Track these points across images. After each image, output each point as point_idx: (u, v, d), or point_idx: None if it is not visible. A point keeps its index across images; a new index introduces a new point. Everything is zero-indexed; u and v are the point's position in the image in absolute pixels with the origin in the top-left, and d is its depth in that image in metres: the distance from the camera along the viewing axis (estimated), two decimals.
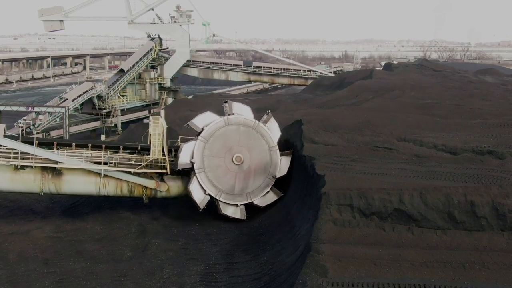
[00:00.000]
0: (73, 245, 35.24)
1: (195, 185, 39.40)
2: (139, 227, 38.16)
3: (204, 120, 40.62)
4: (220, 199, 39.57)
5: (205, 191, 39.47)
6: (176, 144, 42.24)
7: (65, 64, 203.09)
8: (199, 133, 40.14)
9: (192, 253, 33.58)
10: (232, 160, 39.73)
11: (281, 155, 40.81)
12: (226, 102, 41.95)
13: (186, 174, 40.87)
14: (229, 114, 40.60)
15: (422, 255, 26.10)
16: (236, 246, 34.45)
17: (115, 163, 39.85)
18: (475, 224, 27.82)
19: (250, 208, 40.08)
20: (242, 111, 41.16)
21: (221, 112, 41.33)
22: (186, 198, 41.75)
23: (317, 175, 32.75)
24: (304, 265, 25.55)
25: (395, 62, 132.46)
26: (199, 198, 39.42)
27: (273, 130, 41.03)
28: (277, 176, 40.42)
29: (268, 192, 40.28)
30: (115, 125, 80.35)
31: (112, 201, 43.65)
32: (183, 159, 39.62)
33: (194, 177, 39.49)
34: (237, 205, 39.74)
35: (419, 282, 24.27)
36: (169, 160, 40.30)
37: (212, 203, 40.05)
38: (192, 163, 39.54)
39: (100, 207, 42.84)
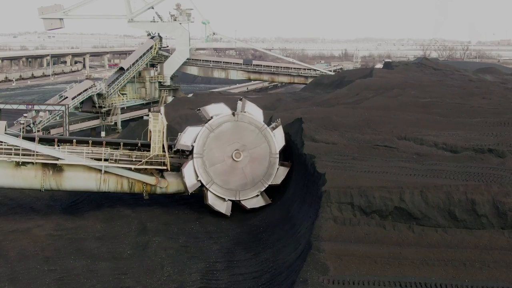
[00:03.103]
0: (73, 243, 35.23)
1: (189, 169, 39.68)
2: (139, 225, 38.15)
3: (216, 109, 41.16)
4: (210, 189, 39.72)
5: (197, 176, 39.63)
6: (175, 141, 42.46)
7: (64, 62, 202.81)
8: (208, 121, 40.39)
9: (192, 251, 33.58)
10: (231, 155, 39.93)
11: (280, 164, 41.03)
12: (241, 99, 42.32)
13: None
14: (241, 111, 40.84)
15: (422, 253, 26.13)
16: (236, 244, 34.47)
17: (115, 160, 40.04)
18: (475, 222, 27.87)
19: (236, 207, 40.23)
20: (253, 112, 41.54)
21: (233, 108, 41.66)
22: (186, 195, 41.90)
23: (318, 173, 32.77)
24: (305, 263, 25.58)
25: (395, 61, 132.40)
26: (190, 182, 39.72)
27: (278, 138, 41.35)
28: (270, 183, 40.64)
29: (257, 196, 40.45)
30: (115, 123, 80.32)
31: (112, 199, 43.69)
32: (185, 140, 40.08)
33: (190, 161, 39.75)
34: (224, 199, 39.91)
35: (419, 280, 24.30)
36: (169, 157, 40.47)
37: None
38: (192, 146, 39.82)
39: (100, 205, 42.84)
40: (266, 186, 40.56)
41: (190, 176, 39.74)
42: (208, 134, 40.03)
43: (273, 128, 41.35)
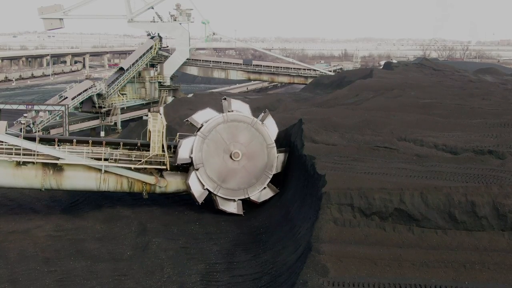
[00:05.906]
0: (73, 244, 35.22)
1: (193, 180, 40.16)
2: (139, 226, 38.14)
3: (204, 116, 41.31)
4: (218, 194, 40.11)
5: (203, 185, 40.06)
6: (174, 141, 42.54)
7: (64, 62, 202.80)
8: (199, 129, 40.61)
9: (192, 253, 33.56)
10: (230, 156, 40.33)
11: (279, 152, 41.40)
12: (225, 99, 42.36)
13: (185, 170, 41.26)
14: (228, 111, 40.90)
15: (422, 255, 26.13)
16: (236, 245, 34.45)
17: (115, 159, 40.21)
18: (475, 224, 27.85)
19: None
20: (240, 109, 41.72)
21: (221, 110, 41.61)
22: (185, 195, 41.86)
23: (318, 175, 32.73)
24: (305, 264, 25.58)
25: (394, 61, 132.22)
26: (198, 192, 40.19)
27: (270, 128, 41.66)
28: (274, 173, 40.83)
29: (265, 188, 40.77)
30: (115, 124, 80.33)
31: (112, 199, 43.70)
32: (183, 154, 40.27)
33: (193, 173, 40.00)
34: (234, 200, 40.32)
35: (419, 282, 24.30)
36: (168, 156, 40.57)
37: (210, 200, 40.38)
38: (191, 158, 40.14)
39: (100, 205, 42.84)
40: (271, 176, 40.91)
41: (197, 187, 40.16)
42: (203, 142, 40.20)
43: (263, 120, 41.52)
